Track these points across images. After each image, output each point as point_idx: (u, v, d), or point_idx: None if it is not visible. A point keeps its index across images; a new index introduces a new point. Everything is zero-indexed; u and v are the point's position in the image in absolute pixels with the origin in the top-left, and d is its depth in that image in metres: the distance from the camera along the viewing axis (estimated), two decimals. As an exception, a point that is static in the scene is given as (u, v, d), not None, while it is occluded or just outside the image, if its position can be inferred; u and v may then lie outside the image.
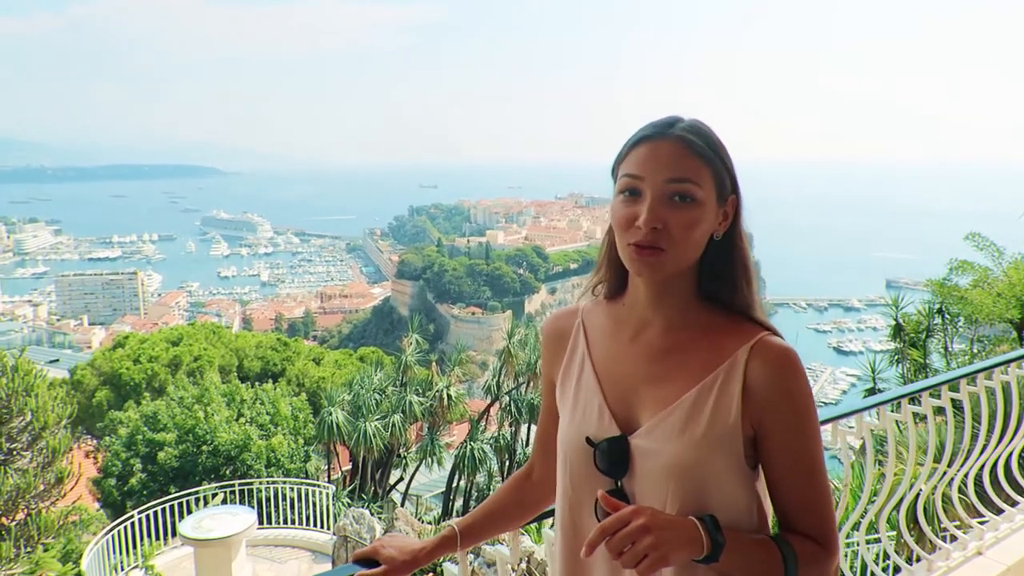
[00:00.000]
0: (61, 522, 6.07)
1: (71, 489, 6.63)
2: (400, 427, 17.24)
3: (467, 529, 1.53)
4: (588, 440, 1.30)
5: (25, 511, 6.08)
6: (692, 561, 1.13)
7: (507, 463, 19.18)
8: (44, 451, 6.18)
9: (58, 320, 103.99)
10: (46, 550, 11.68)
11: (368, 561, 1.48)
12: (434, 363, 19.62)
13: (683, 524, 1.12)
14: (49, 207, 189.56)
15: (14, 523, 6.04)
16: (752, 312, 1.28)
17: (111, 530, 9.51)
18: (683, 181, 1.20)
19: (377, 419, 16.97)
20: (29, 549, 5.73)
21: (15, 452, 6.13)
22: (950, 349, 12.01)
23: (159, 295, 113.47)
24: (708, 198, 1.22)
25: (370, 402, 17.42)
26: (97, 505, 16.48)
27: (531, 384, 18.91)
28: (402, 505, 18.69)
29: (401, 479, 20.17)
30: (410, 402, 17.64)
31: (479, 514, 1.56)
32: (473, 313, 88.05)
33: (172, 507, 10.54)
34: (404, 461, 19.67)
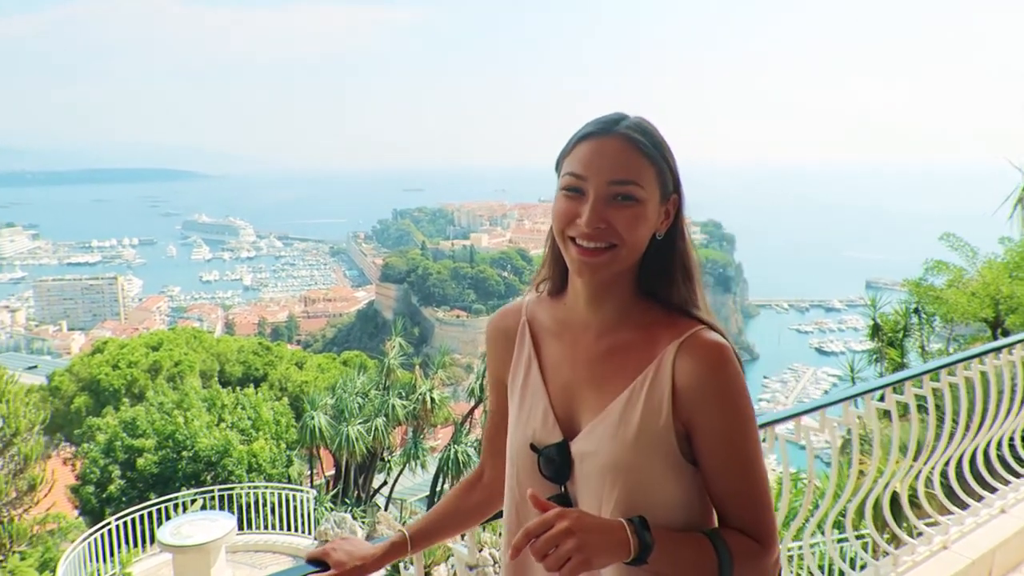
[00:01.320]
0: (34, 530, 5.98)
1: (45, 496, 6.55)
2: (383, 431, 17.18)
3: (418, 534, 1.53)
4: (532, 447, 1.31)
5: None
6: (623, 564, 1.12)
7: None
8: (16, 457, 6.10)
9: (36, 326, 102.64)
10: (23, 558, 11.55)
11: (319, 562, 1.48)
12: (418, 366, 19.55)
13: (610, 527, 1.11)
14: (27, 211, 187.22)
15: (-14, 531, 5.95)
16: (690, 307, 1.27)
17: (87, 537, 9.40)
18: (626, 182, 1.20)
19: (360, 423, 16.90)
20: (1, 557, 5.65)
21: (-13, 459, 6.04)
22: (927, 348, 12.15)
23: (140, 300, 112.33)
24: (651, 197, 1.21)
25: (353, 406, 17.35)
26: (76, 513, 16.29)
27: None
28: (386, 509, 18.62)
29: (385, 483, 20.08)
30: (393, 405, 17.58)
31: (430, 518, 1.56)
32: (458, 316, 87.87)
33: (151, 514, 10.44)
34: (388, 465, 19.59)
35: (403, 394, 18.19)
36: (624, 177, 1.20)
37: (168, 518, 10.10)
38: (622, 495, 1.21)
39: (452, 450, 17.88)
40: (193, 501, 11.26)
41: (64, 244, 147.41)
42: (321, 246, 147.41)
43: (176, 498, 11.29)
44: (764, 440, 2.73)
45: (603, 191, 1.20)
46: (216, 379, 25.77)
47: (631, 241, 1.21)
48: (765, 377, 78.23)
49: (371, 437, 16.88)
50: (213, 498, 11.51)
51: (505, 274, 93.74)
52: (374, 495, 19.58)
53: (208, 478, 15.10)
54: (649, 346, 1.25)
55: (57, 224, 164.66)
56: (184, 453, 15.32)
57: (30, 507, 6.41)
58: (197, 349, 27.93)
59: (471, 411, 19.48)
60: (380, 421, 17.12)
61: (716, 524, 1.28)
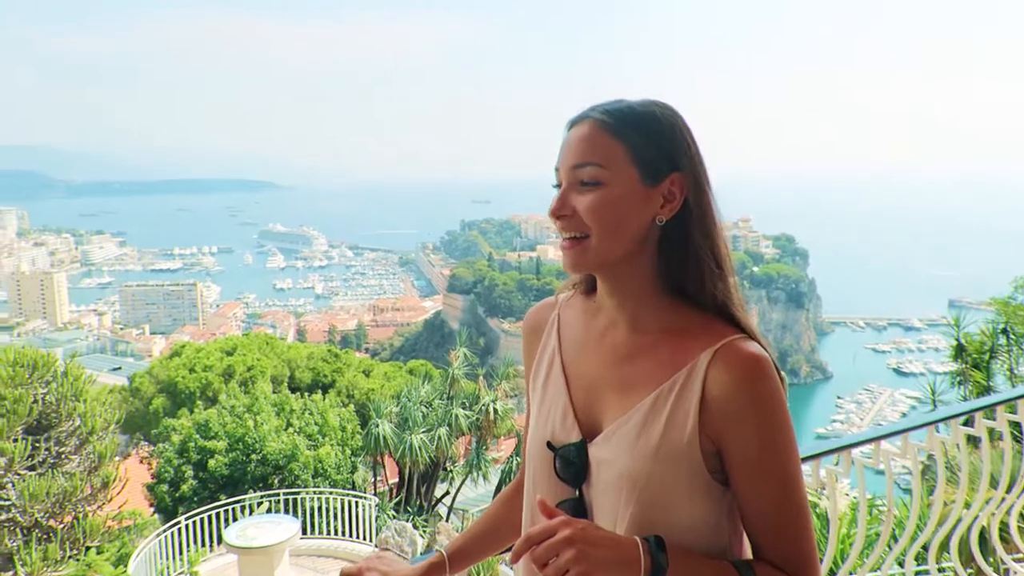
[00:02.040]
0: (107, 526, 6.18)
1: (119, 493, 6.76)
2: (446, 441, 17.23)
3: (456, 553, 1.45)
4: (549, 445, 1.22)
5: (72, 514, 6.21)
6: None
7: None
8: (91, 456, 6.32)
9: (121, 329, 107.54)
10: (100, 553, 11.97)
11: None
12: (482, 377, 19.58)
13: (619, 543, 1.02)
14: (115, 219, 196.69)
15: (61, 526, 6.18)
16: (729, 310, 1.16)
17: (159, 535, 9.69)
18: (584, 165, 1.13)
19: (423, 432, 17.00)
20: (75, 552, 5.85)
21: (63, 456, 6.28)
22: (1015, 371, 11.48)
23: (217, 306, 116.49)
24: (619, 177, 1.12)
25: (417, 415, 17.47)
26: (151, 510, 16.86)
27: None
28: (447, 519, 18.66)
29: (447, 493, 20.14)
30: (457, 415, 17.63)
31: (469, 535, 1.49)
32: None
33: (219, 514, 10.69)
34: (451, 475, 19.65)
35: (467, 404, 18.22)
36: (582, 160, 1.13)
37: (235, 519, 10.32)
38: (637, 510, 1.11)
39: (514, 462, 17.83)
40: (259, 504, 11.49)
41: (148, 251, 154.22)
42: (390, 256, 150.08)
43: (243, 500, 11.54)
44: (838, 463, 2.56)
45: (568, 178, 1.15)
46: (286, 384, 26.39)
47: (600, 228, 1.12)
48: (839, 397, 75.77)
49: (434, 446, 16.95)
50: (278, 501, 11.72)
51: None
52: (436, 504, 19.66)
53: (275, 481, 15.42)
54: (680, 351, 1.14)
55: (142, 232, 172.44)
56: (253, 456, 15.70)
57: (103, 504, 6.63)
58: (269, 355, 28.65)
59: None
60: (443, 431, 17.18)
61: (749, 554, 1.16)
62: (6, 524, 6.05)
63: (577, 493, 1.19)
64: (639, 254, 1.15)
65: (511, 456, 18.24)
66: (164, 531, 9.83)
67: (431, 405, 18.15)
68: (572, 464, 1.18)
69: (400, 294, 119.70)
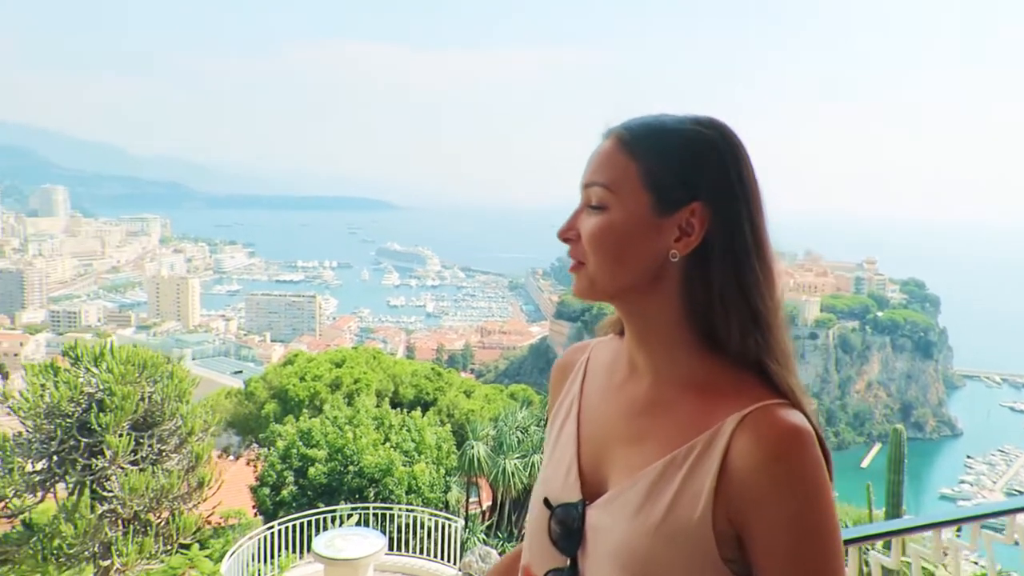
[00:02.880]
0: (205, 523, 6.38)
1: (213, 493, 6.98)
2: (539, 467, 17.04)
3: None
4: (546, 502, 1.04)
5: (168, 510, 6.45)
6: None
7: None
8: (189, 455, 6.56)
9: (245, 335, 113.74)
10: (203, 547, 12.48)
11: None
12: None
13: None
14: (246, 231, 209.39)
15: (158, 520, 6.42)
16: (767, 367, 0.95)
17: (250, 538, 9.96)
18: (591, 185, 0.99)
19: (517, 457, 16.86)
20: (168, 547, 6.05)
21: (164, 453, 6.54)
22: None
23: (334, 318, 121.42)
24: (626, 203, 0.96)
25: (512, 439, 17.37)
26: (254, 511, 17.50)
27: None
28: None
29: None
30: (552, 443, 17.41)
31: None
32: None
33: (312, 523, 10.91)
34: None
35: (563, 433, 17.96)
36: (592, 179, 0.99)
37: (326, 529, 10.49)
38: None
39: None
40: (349, 516, 11.65)
41: (274, 263, 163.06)
42: (500, 279, 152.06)
43: (335, 511, 11.73)
44: (959, 533, 2.25)
45: (582, 197, 1.01)
46: (388, 399, 26.95)
47: (596, 257, 0.97)
48: (968, 456, 70.44)
49: (527, 473, 16.77)
50: (369, 515, 11.84)
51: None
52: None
53: (370, 494, 15.65)
54: (704, 411, 0.94)
55: (270, 244, 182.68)
56: (351, 467, 16.00)
57: (198, 503, 6.88)
58: (375, 369, 29.36)
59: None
60: (537, 458, 16.99)
61: None
62: (107, 515, 6.37)
63: (570, 562, 1.00)
64: (656, 292, 0.98)
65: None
66: (258, 534, 10.11)
67: (527, 431, 18.00)
68: (567, 527, 1.00)
69: (508, 317, 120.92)
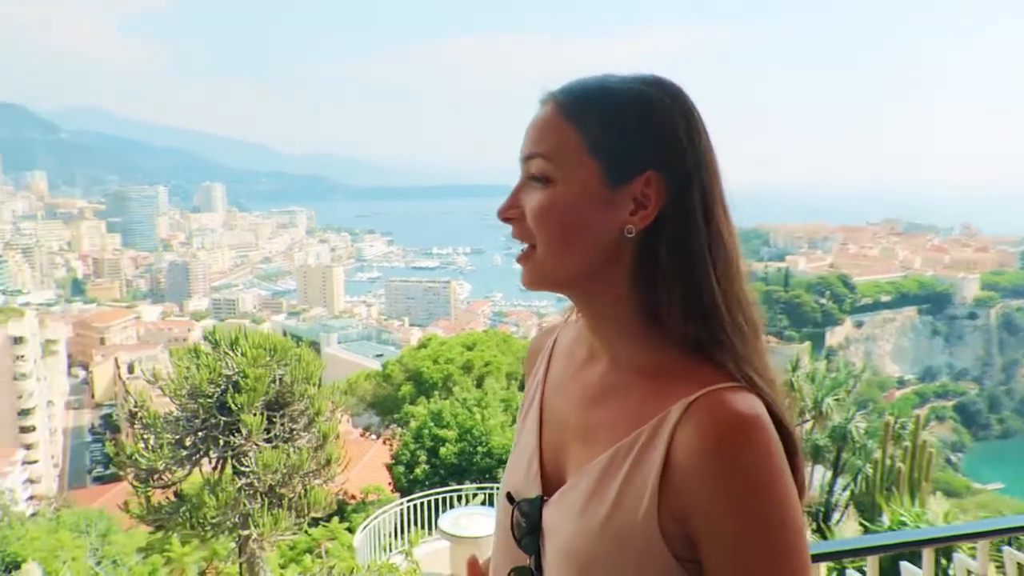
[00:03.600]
0: (328, 499, 6.76)
1: (342, 471, 7.35)
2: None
3: None
4: (508, 496, 0.97)
5: (301, 486, 6.86)
6: None
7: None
8: (317, 434, 6.94)
9: (385, 320, 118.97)
10: (343, 520, 13.15)
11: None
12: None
13: None
14: (384, 220, 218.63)
15: (292, 495, 6.84)
16: (716, 350, 0.86)
17: (381, 514, 10.42)
18: (531, 156, 0.89)
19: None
20: (300, 520, 6.45)
21: (294, 432, 6.96)
22: None
23: (468, 303, 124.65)
24: (572, 174, 0.86)
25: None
26: (391, 488, 18.32)
27: (815, 424, 17.31)
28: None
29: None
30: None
31: None
32: (768, 342, 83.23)
33: (441, 500, 11.26)
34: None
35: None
36: (531, 149, 0.89)
37: (453, 507, 10.80)
38: None
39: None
40: (474, 495, 11.94)
41: (411, 249, 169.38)
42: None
43: (462, 490, 12.06)
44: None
45: (522, 171, 0.90)
46: (517, 382, 27.35)
47: (546, 237, 0.87)
48: None
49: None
50: (493, 494, 12.09)
51: (823, 301, 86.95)
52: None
53: (498, 474, 16.01)
54: (652, 399, 0.86)
55: (407, 232, 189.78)
56: (479, 448, 16.40)
57: (327, 480, 7.28)
58: (505, 352, 29.91)
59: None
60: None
61: None
62: (245, 488, 6.88)
63: (532, 560, 0.92)
64: (609, 272, 0.88)
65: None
66: (387, 510, 10.56)
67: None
68: (526, 524, 0.92)
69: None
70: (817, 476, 17.52)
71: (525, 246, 0.92)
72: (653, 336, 0.88)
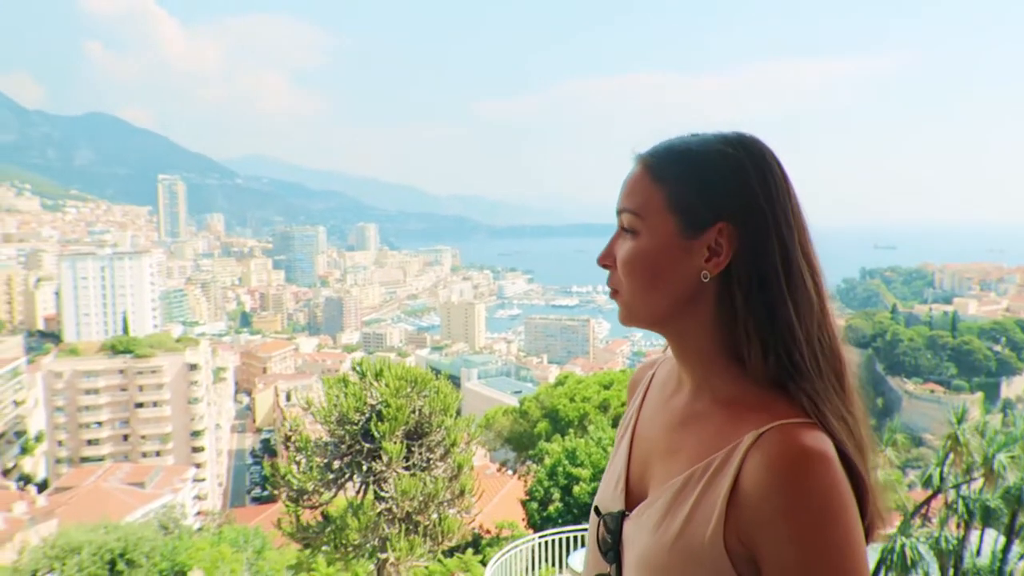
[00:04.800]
0: (462, 529, 6.96)
1: (477, 500, 7.54)
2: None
3: None
4: (595, 509, 1.09)
5: (436, 513, 7.12)
6: None
7: (951, 571, 16.22)
8: (452, 465, 7.19)
9: (524, 356, 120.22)
10: (476, 552, 13.38)
11: None
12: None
13: None
14: (525, 259, 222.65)
15: (427, 523, 7.11)
16: (791, 387, 0.93)
17: (510, 549, 10.54)
18: (622, 211, 1.01)
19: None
20: (434, 547, 6.68)
21: (431, 462, 7.25)
22: None
23: (606, 342, 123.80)
24: (654, 227, 0.98)
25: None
26: (524, 523, 18.42)
27: (985, 483, 15.82)
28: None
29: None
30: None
31: None
32: (932, 391, 77.11)
33: (573, 538, 11.23)
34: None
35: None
36: (622, 204, 1.02)
37: (583, 546, 10.76)
38: None
39: (898, 542, 15.63)
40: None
41: (551, 288, 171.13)
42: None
43: (587, 528, 11.95)
44: None
45: (618, 223, 1.03)
46: (655, 423, 26.83)
47: (629, 283, 1.00)
48: None
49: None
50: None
51: (997, 348, 79.51)
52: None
53: (632, 517, 15.75)
54: (727, 428, 0.94)
55: (547, 270, 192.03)
56: (613, 489, 16.23)
57: (461, 510, 7.50)
58: (643, 392, 29.48)
59: (926, 501, 16.82)
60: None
61: None
62: (384, 513, 7.22)
63: (613, 570, 1.03)
64: (693, 311, 0.99)
65: (893, 535, 16.08)
66: (516, 545, 10.67)
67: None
68: (610, 536, 1.04)
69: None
70: (988, 541, 15.99)
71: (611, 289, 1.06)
72: (733, 370, 0.97)
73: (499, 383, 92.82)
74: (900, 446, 18.23)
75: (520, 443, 28.62)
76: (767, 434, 0.88)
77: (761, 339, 0.94)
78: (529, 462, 27.75)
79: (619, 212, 1.02)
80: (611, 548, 1.04)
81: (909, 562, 15.90)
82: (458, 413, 8.05)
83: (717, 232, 0.96)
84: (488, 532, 18.52)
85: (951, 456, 17.06)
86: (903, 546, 15.73)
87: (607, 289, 1.05)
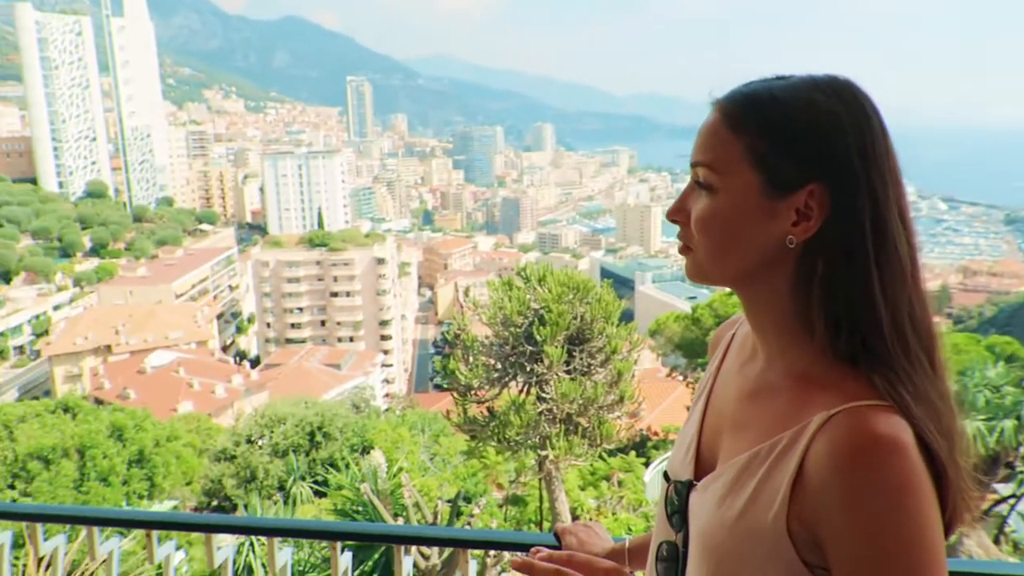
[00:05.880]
0: (619, 435, 7.11)
1: (636, 407, 7.65)
2: (1011, 435, 14.59)
3: (635, 549, 1.27)
4: (665, 475, 1.02)
5: (595, 417, 7.30)
6: None
7: None
8: (612, 371, 7.28)
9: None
10: (641, 455, 13.66)
11: (559, 539, 1.38)
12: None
13: None
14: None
15: (587, 425, 7.33)
16: (866, 366, 0.82)
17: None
18: (696, 164, 0.90)
19: (981, 419, 14.68)
20: (592, 448, 6.89)
21: (592, 367, 7.38)
22: None
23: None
24: (734, 185, 0.86)
25: (977, 397, 15.15)
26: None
27: None
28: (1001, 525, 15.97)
29: (1015, 496, 17.13)
30: (1033, 409, 14.72)
31: (646, 537, 1.25)
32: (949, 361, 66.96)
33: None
34: (1020, 476, 16.64)
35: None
36: (697, 157, 0.90)
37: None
38: None
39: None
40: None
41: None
42: (993, 212, 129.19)
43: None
44: None
45: (691, 175, 0.92)
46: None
47: (705, 243, 0.89)
48: None
49: (994, 439, 14.52)
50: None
51: None
52: (995, 505, 16.93)
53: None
54: (797, 405, 0.85)
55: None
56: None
57: (620, 415, 7.64)
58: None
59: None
60: (1010, 423, 14.55)
61: None
62: (545, 413, 7.50)
63: (679, 538, 0.97)
64: (769, 276, 0.88)
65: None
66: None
67: (998, 390, 15.47)
68: (676, 503, 0.98)
69: (1000, 257, 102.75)
70: None
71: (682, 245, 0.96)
72: (807, 343, 0.87)
73: (673, 287, 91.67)
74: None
75: (691, 350, 28.31)
76: (836, 417, 0.80)
77: (840, 313, 0.83)
78: (699, 369, 27.53)
79: (693, 165, 0.91)
80: (678, 516, 0.98)
81: None
82: (628, 319, 8.06)
83: (808, 194, 0.83)
84: (656, 434, 18.80)
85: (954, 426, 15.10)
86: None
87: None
